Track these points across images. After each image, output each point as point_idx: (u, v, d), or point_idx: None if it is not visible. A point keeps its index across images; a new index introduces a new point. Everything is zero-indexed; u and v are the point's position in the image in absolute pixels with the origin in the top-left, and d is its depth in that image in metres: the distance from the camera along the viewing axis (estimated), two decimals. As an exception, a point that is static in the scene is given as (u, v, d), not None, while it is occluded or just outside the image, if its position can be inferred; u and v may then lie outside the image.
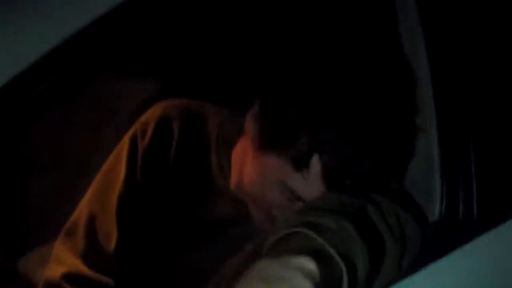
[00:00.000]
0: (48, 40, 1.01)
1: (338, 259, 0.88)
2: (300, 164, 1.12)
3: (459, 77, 1.25)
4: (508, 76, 1.28)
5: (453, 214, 1.23)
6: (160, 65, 1.86)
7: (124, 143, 1.35)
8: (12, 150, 1.57)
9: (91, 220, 1.33)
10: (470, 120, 1.25)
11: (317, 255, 0.85)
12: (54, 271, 1.31)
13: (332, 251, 0.88)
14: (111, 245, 1.31)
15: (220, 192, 1.30)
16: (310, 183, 1.12)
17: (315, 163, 1.12)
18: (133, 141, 1.34)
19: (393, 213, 1.09)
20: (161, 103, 1.38)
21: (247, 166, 1.20)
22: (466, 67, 1.25)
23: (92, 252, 1.31)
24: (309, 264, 0.81)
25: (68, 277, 1.29)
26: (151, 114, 1.35)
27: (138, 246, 1.33)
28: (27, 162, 1.65)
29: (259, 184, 1.18)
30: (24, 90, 1.02)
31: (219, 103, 1.44)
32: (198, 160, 1.33)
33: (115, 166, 1.34)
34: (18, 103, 1.03)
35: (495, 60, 1.28)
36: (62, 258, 1.31)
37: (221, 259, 1.22)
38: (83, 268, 1.29)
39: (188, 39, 1.75)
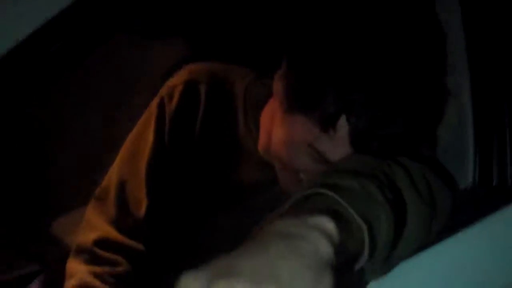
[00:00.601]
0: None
1: (359, 220, 0.85)
2: (327, 125, 1.10)
3: (493, 43, 1.23)
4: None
5: (487, 180, 1.22)
6: (186, 28, 1.85)
7: (152, 108, 1.34)
8: (41, 116, 1.59)
9: (121, 186, 1.33)
10: (504, 86, 1.23)
11: (337, 216, 0.81)
12: (86, 236, 1.31)
13: (352, 212, 0.85)
14: (142, 210, 1.31)
15: (248, 155, 1.29)
16: (337, 145, 1.11)
17: (343, 125, 1.10)
18: (161, 106, 1.33)
19: (423, 178, 1.05)
20: (188, 67, 1.37)
21: (275, 128, 1.19)
22: (501, 34, 1.23)
23: (123, 217, 1.32)
24: (328, 224, 0.77)
25: (100, 242, 1.30)
26: (178, 78, 1.35)
27: (168, 211, 1.33)
28: (55, 128, 1.66)
29: (287, 146, 1.17)
30: (45, 54, 1.01)
31: (247, 65, 1.42)
32: (226, 124, 1.32)
33: (144, 131, 1.34)
34: (40, 66, 1.01)
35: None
36: (93, 223, 1.32)
37: (250, 222, 1.21)
38: (114, 234, 1.30)
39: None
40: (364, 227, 0.85)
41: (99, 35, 1.06)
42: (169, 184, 1.33)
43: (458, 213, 1.15)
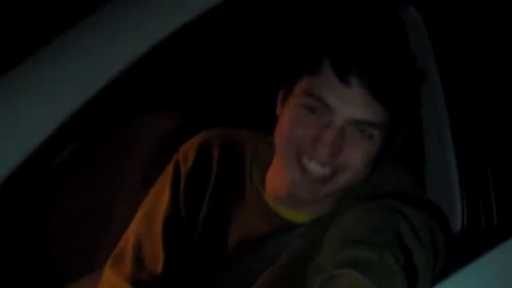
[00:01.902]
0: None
1: None
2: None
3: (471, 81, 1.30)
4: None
5: (475, 224, 1.26)
6: (176, 101, 1.90)
7: (168, 172, 1.40)
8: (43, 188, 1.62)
9: (138, 245, 1.36)
10: (483, 129, 1.29)
11: None
12: None
13: None
14: (159, 266, 1.34)
15: (253, 206, 1.35)
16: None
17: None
18: (176, 167, 1.40)
19: (426, 227, 1.11)
20: (202, 132, 1.43)
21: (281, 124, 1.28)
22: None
23: (140, 274, 1.34)
24: None
25: None
26: (192, 142, 1.42)
27: (184, 266, 1.37)
28: (53, 204, 1.69)
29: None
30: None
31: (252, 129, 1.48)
32: (235, 183, 1.38)
33: (160, 193, 1.40)
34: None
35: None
36: (112, 282, 1.34)
37: (260, 271, 1.27)
38: None
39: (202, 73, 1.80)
40: None
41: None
42: (184, 240, 1.37)
43: (449, 257, 1.19)
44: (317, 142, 1.20)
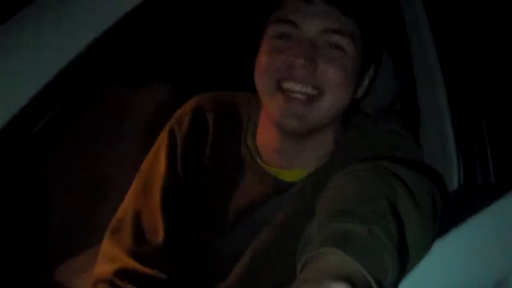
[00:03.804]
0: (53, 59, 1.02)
1: (369, 278, 0.90)
2: None
3: (465, 46, 1.29)
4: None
5: (471, 180, 1.26)
6: (167, 72, 1.89)
7: (162, 138, 1.39)
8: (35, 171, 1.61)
9: (137, 216, 1.35)
10: (479, 86, 1.28)
11: (350, 277, 0.88)
12: (105, 268, 1.32)
13: (364, 272, 0.90)
14: (159, 238, 1.33)
15: (248, 169, 1.34)
16: None
17: None
18: (171, 133, 1.39)
19: (424, 190, 1.10)
20: (194, 97, 1.42)
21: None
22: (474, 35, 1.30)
23: (141, 247, 1.33)
24: None
25: (119, 273, 1.30)
26: (185, 108, 1.41)
27: (183, 235, 1.36)
28: (49, 177, 1.68)
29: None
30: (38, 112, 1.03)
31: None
32: (231, 146, 1.37)
33: (155, 161, 1.38)
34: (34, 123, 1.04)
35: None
36: (111, 255, 1.33)
37: (258, 234, 1.28)
38: (132, 264, 1.31)
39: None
40: (375, 286, 0.91)
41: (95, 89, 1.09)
42: (182, 207, 1.36)
43: (446, 214, 1.19)
44: (292, 62, 1.23)
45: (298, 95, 1.24)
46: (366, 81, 1.33)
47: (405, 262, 1.01)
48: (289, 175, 1.32)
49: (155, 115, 1.85)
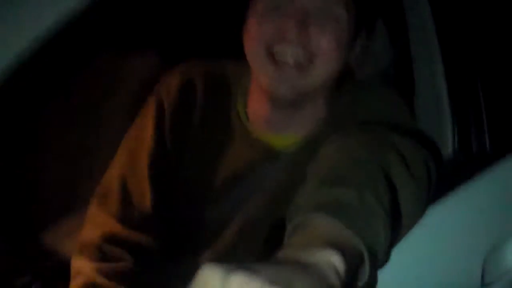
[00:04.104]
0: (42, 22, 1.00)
1: (361, 246, 0.88)
2: None
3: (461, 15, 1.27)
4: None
5: (466, 148, 1.25)
6: (159, 39, 1.87)
7: (150, 104, 1.36)
8: (24, 131, 1.59)
9: (123, 181, 1.33)
10: (475, 55, 1.27)
11: (340, 245, 0.85)
12: (91, 233, 1.30)
13: (354, 238, 0.88)
14: (146, 202, 1.31)
15: (238, 136, 1.32)
16: None
17: None
18: (159, 101, 1.35)
19: (418, 157, 1.07)
20: (182, 65, 1.39)
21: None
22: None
23: (127, 211, 1.30)
24: (335, 258, 0.81)
25: (105, 237, 1.29)
26: (174, 75, 1.37)
27: (172, 202, 1.34)
28: (37, 141, 1.67)
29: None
30: (28, 75, 1.02)
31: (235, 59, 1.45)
32: (220, 113, 1.35)
33: (142, 128, 1.35)
34: (22, 87, 1.03)
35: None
36: (97, 220, 1.31)
37: (247, 201, 1.26)
38: (120, 228, 1.29)
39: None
40: (366, 252, 0.88)
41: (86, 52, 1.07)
42: (170, 174, 1.34)
43: (440, 182, 1.18)
44: (283, 25, 1.20)
45: (289, 61, 1.21)
46: (358, 48, 1.31)
47: (397, 229, 0.99)
48: (281, 141, 1.30)
49: (143, 82, 1.83)
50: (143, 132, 1.35)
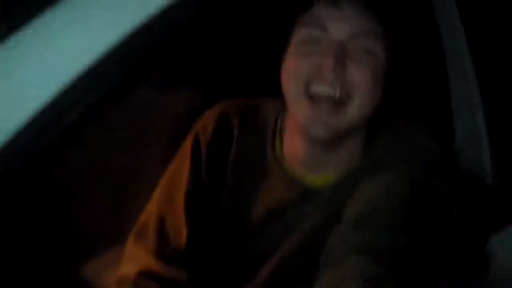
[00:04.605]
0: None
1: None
2: None
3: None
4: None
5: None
6: (196, 74, 1.89)
7: (187, 143, 1.39)
8: (62, 166, 1.61)
9: (161, 219, 1.36)
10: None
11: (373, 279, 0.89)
12: (128, 268, 1.33)
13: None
14: (182, 239, 1.33)
15: (274, 174, 1.33)
16: None
17: None
18: (196, 139, 1.38)
19: (443, 202, 1.11)
20: (220, 103, 1.42)
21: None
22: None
23: (164, 249, 1.34)
24: None
25: (144, 274, 1.31)
26: (210, 113, 1.40)
27: (207, 239, 1.35)
28: (76, 180, 1.69)
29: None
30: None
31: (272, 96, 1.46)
32: (258, 153, 1.36)
33: (180, 166, 1.38)
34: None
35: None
36: (136, 256, 1.34)
37: (283, 240, 1.27)
38: (156, 265, 1.32)
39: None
40: None
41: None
42: (206, 212, 1.35)
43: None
44: (321, 64, 1.21)
45: (326, 99, 1.22)
46: (394, 85, 1.32)
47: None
48: (316, 181, 1.31)
49: (182, 118, 1.84)
50: (181, 170, 1.37)
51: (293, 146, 1.31)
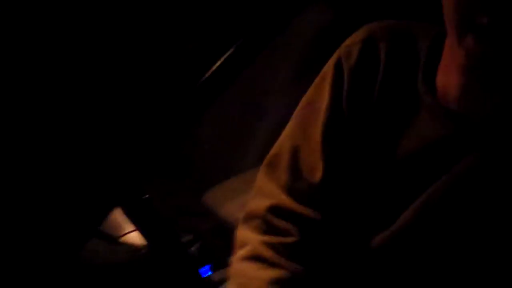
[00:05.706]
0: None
1: None
2: None
3: None
4: None
5: None
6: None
7: (327, 70, 1.29)
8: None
9: (295, 152, 1.28)
10: None
11: None
12: (258, 203, 1.27)
13: None
14: (317, 175, 1.26)
15: (425, 110, 1.23)
16: None
17: None
18: (337, 66, 1.27)
19: None
20: (366, 26, 1.30)
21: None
22: None
23: (297, 184, 1.26)
24: None
25: (273, 209, 1.25)
26: (356, 37, 1.28)
27: (345, 177, 1.28)
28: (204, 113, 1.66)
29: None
30: None
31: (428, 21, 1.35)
32: (406, 82, 1.26)
33: (318, 95, 1.29)
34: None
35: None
36: (266, 190, 1.28)
37: (431, 183, 1.18)
38: (288, 201, 1.25)
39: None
40: None
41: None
42: (345, 148, 1.28)
43: None
44: None
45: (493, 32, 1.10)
46: None
47: None
48: (474, 118, 1.20)
49: (314, 41, 1.76)
50: (319, 100, 1.28)
51: (448, 80, 1.20)
